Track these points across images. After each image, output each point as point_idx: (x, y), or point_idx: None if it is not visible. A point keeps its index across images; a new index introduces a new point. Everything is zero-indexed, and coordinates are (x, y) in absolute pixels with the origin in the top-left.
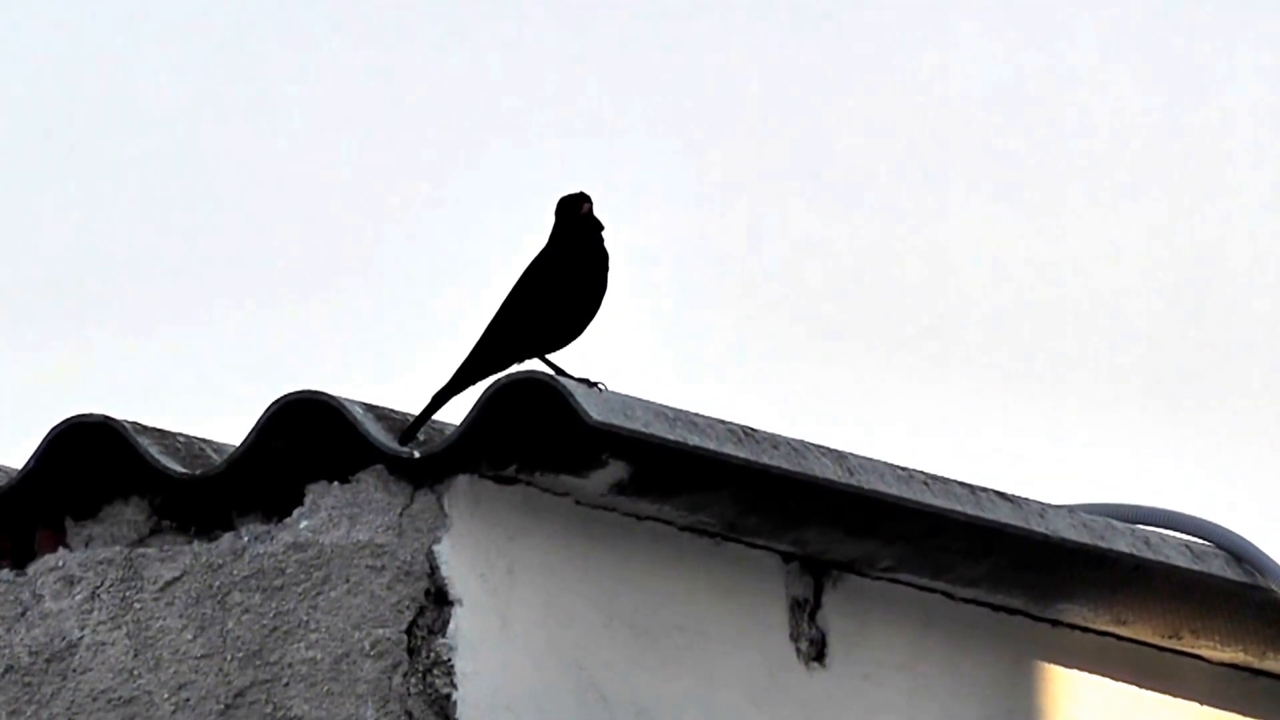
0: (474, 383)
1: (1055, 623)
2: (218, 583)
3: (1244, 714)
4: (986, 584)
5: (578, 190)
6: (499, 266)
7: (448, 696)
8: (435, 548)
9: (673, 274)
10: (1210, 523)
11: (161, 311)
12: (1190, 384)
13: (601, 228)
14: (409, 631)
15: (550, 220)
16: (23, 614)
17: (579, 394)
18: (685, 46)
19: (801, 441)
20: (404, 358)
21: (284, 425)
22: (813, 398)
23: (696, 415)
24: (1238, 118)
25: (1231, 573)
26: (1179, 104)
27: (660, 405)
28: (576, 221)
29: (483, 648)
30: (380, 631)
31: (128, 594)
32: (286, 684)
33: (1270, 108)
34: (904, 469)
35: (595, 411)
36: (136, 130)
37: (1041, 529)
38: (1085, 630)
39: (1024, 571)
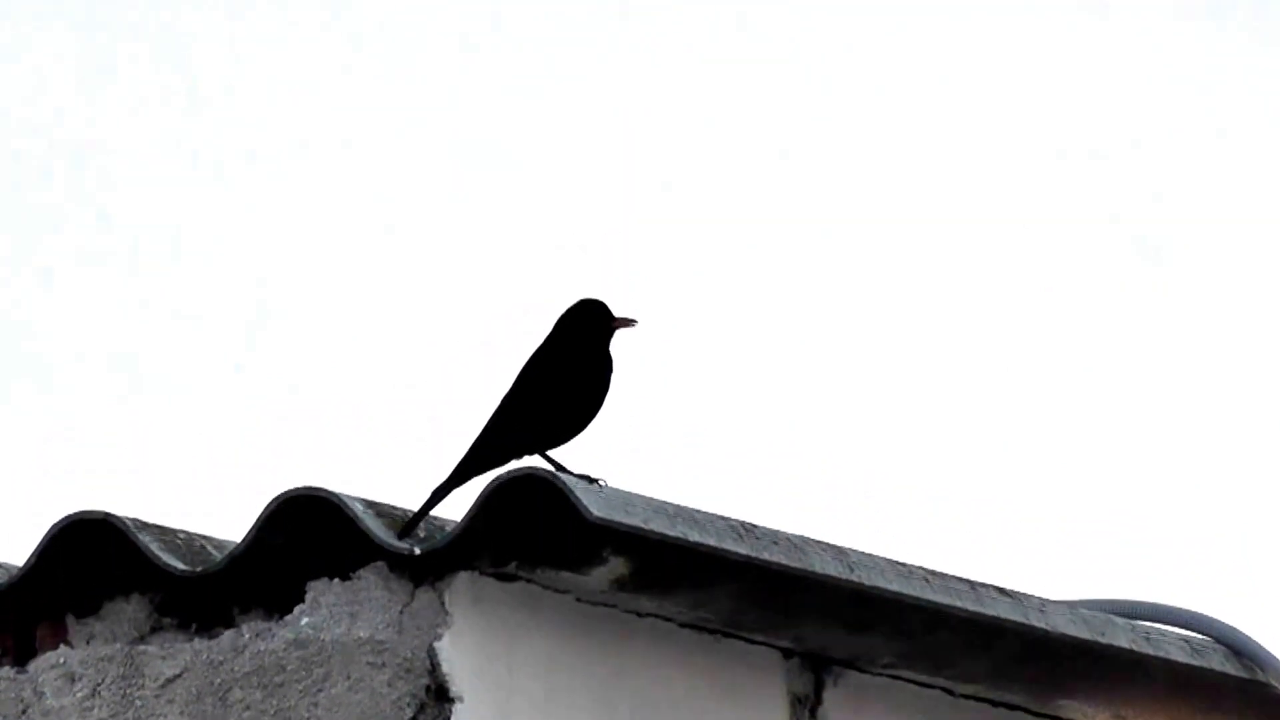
0: (474, 478)
1: (1055, 718)
2: (219, 680)
3: None
4: (987, 680)
5: (597, 298)
6: (498, 363)
7: None
8: (436, 644)
9: (672, 370)
10: (1209, 617)
11: (162, 408)
12: (1186, 478)
13: (612, 333)
14: None
15: (549, 316)
16: (24, 711)
17: (579, 490)
18: (688, 137)
19: (801, 537)
20: (403, 454)
21: (284, 522)
22: (812, 494)
23: (696, 511)
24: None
25: (1231, 668)
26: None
27: (660, 501)
28: (600, 330)
29: None
30: None
31: (129, 691)
32: None
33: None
34: (904, 564)
35: (595, 508)
36: (131, 228)
37: (1041, 624)
38: None
39: (1024, 667)
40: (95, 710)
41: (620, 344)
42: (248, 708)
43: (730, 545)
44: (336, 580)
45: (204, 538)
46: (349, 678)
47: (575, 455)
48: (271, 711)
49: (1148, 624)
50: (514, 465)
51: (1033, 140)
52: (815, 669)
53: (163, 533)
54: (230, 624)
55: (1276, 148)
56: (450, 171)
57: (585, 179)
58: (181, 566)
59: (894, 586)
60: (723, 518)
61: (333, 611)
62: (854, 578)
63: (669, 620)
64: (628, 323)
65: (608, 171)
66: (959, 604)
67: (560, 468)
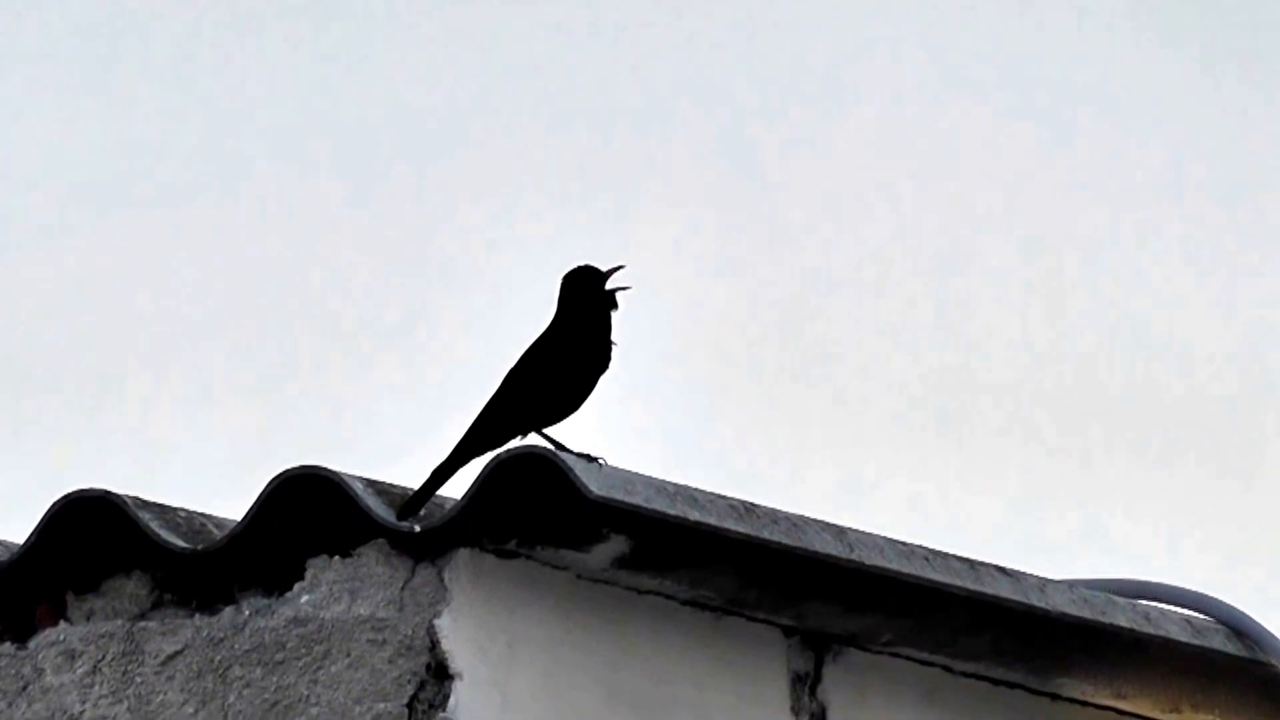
0: (474, 458)
1: (1055, 697)
2: (219, 657)
3: None
4: (987, 658)
5: (583, 265)
6: (499, 341)
7: None
8: (436, 622)
9: (673, 348)
10: (1210, 597)
11: (163, 387)
12: (1190, 459)
13: (615, 305)
14: (410, 706)
15: (553, 295)
16: (24, 689)
17: (579, 469)
18: (693, 122)
19: (801, 516)
20: (404, 433)
21: (285, 500)
22: (813, 473)
23: (696, 490)
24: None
25: (1232, 647)
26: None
27: (660, 480)
28: (595, 297)
29: None
30: (381, 706)
31: (129, 668)
32: None
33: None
34: (904, 544)
35: (596, 486)
36: (137, 215)
37: (1041, 604)
38: (1085, 704)
39: (1024, 646)
40: (95, 687)
41: (622, 321)
42: (248, 685)
43: (730, 524)
44: (336, 558)
45: (204, 516)
46: (349, 655)
47: (575, 434)
48: (271, 689)
49: (1148, 604)
50: (514, 444)
51: None
52: (815, 647)
53: (163, 510)
54: (230, 601)
55: None
56: (448, 152)
57: (575, 152)
58: (181, 544)
59: (893, 565)
60: (723, 497)
61: (333, 589)
62: (854, 557)
63: (669, 598)
64: (621, 288)
65: (598, 148)
66: (958, 583)
67: (560, 446)
